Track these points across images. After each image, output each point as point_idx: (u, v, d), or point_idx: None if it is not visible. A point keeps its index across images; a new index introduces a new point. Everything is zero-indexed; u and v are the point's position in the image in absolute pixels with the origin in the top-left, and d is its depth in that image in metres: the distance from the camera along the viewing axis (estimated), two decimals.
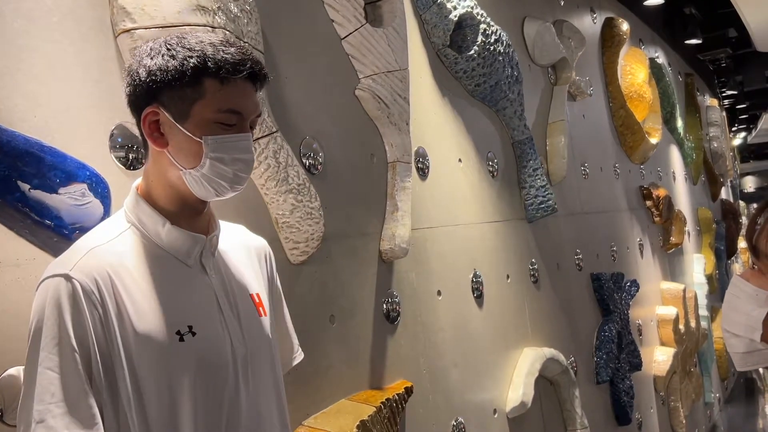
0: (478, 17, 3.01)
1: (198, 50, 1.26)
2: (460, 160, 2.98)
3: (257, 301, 1.44)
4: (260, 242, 1.56)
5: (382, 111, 2.40)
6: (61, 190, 1.41)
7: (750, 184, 22.23)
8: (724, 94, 10.52)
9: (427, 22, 2.84)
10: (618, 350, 4.18)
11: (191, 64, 1.25)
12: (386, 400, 2.19)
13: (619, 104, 5.00)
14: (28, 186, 1.35)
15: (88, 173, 1.46)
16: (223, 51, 1.27)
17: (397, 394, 2.25)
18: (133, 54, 1.33)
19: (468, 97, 3.13)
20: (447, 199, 2.84)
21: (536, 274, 3.47)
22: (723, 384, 7.75)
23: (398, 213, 2.41)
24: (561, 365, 3.38)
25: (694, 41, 7.27)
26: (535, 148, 3.49)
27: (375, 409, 2.11)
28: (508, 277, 3.22)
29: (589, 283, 4.14)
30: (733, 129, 13.71)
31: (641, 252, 5.17)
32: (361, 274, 2.30)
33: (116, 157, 1.57)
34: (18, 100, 1.40)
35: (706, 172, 8.12)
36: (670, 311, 5.32)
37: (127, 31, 1.59)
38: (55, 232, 1.40)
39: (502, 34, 3.16)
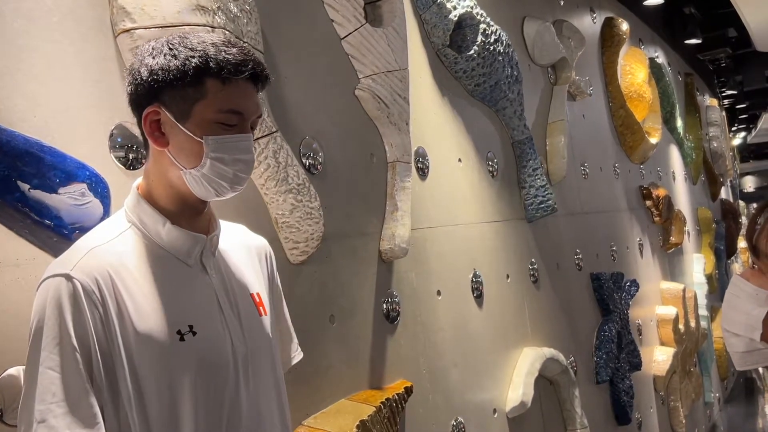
0: (478, 17, 3.01)
1: (200, 50, 1.26)
2: (459, 160, 2.98)
3: (257, 300, 1.45)
4: (261, 242, 1.56)
5: (381, 111, 2.40)
6: (61, 190, 1.41)
7: (750, 183, 22.24)
8: (723, 94, 10.52)
9: (426, 21, 2.84)
10: (618, 350, 4.18)
11: (193, 64, 1.25)
12: (386, 399, 2.19)
13: (618, 104, 5.00)
14: (27, 186, 1.35)
15: (87, 173, 1.46)
16: (225, 51, 1.27)
17: (396, 394, 2.25)
18: (134, 53, 1.33)
19: (468, 97, 3.13)
20: (447, 199, 2.84)
21: (536, 274, 3.47)
22: (723, 384, 7.76)
23: (398, 213, 2.41)
24: (561, 365, 3.38)
25: (693, 41, 7.27)
26: (534, 147, 3.49)
27: (375, 409, 2.11)
28: (507, 276, 3.22)
29: (588, 283, 4.14)
30: (733, 129, 13.72)
31: (641, 252, 5.17)
32: (360, 274, 2.30)
33: (116, 157, 1.57)
34: (18, 100, 1.40)
35: (706, 172, 8.12)
36: (669, 311, 5.32)
37: (127, 30, 1.59)
38: (55, 232, 1.40)
39: (501, 34, 3.16)
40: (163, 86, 1.27)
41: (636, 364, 4.41)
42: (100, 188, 1.48)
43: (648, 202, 5.41)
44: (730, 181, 10.59)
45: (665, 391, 5.16)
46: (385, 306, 2.38)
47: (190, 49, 1.27)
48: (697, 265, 6.85)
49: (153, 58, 1.28)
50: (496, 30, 3.12)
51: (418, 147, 2.66)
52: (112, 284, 1.24)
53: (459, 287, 2.84)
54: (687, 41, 7.30)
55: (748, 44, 7.56)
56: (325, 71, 2.25)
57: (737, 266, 10.19)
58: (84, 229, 1.39)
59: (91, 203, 1.46)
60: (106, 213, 1.48)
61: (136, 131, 1.58)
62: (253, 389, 1.37)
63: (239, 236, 1.52)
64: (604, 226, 4.54)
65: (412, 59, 2.61)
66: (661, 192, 5.57)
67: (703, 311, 6.52)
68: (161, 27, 1.59)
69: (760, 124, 13.17)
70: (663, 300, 5.49)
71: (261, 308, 1.45)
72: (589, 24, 4.83)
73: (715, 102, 9.24)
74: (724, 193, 9.55)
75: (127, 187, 1.40)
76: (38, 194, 1.37)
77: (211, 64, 1.26)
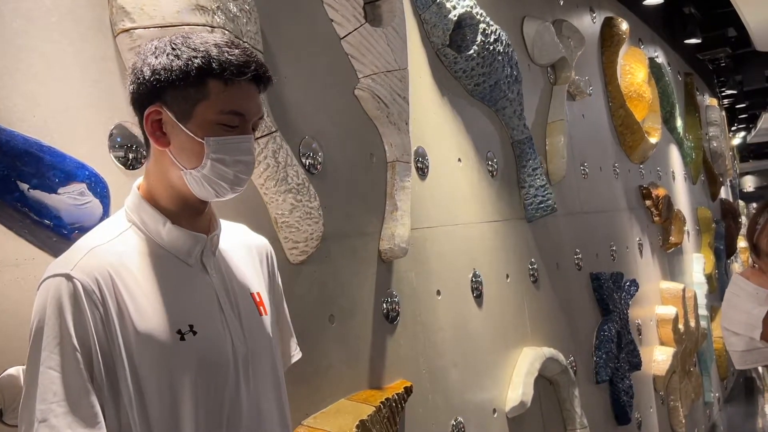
0: (478, 17, 3.01)
1: (203, 51, 1.26)
2: (459, 160, 2.98)
3: (258, 300, 1.45)
4: (261, 241, 1.56)
5: (381, 110, 2.40)
6: (61, 190, 1.41)
7: (749, 183, 22.24)
8: (723, 94, 10.52)
9: (426, 21, 2.84)
10: (617, 350, 4.18)
11: (196, 65, 1.25)
12: (386, 399, 2.19)
13: (618, 104, 5.00)
14: (27, 186, 1.35)
15: (87, 173, 1.46)
16: (227, 52, 1.27)
17: (396, 394, 2.25)
18: (137, 52, 1.33)
19: (467, 97, 3.13)
20: (446, 199, 2.84)
21: (536, 274, 3.47)
22: (722, 383, 7.76)
23: (398, 213, 2.41)
24: (560, 365, 3.38)
25: (693, 41, 7.27)
26: (534, 147, 3.49)
27: (374, 408, 2.11)
28: (507, 276, 3.22)
29: (588, 283, 4.14)
30: (733, 128, 13.71)
31: (641, 251, 5.17)
32: (360, 273, 2.30)
33: (115, 157, 1.57)
34: (17, 99, 1.40)
35: (706, 172, 8.12)
36: (669, 311, 5.32)
37: (126, 30, 1.59)
38: (55, 232, 1.40)
39: (501, 33, 3.16)
40: (165, 86, 1.27)
41: (636, 364, 4.41)
42: (99, 188, 1.48)
43: (648, 202, 5.41)
44: (730, 180, 10.58)
45: (665, 390, 5.16)
46: (384, 306, 2.38)
47: (192, 49, 1.27)
48: (697, 264, 6.85)
49: (156, 57, 1.28)
50: (496, 30, 3.12)
51: (417, 147, 2.66)
52: (112, 284, 1.24)
53: (459, 287, 2.84)
54: (687, 41, 7.30)
55: (747, 44, 7.56)
56: (324, 71, 2.25)
57: (737, 266, 10.19)
58: (83, 229, 1.39)
59: (91, 203, 1.46)
60: (106, 213, 1.48)
61: (136, 131, 1.58)
62: (253, 389, 1.37)
63: (240, 236, 1.52)
64: (604, 226, 4.54)
65: (412, 59, 2.61)
66: (660, 192, 5.57)
67: (702, 311, 6.52)
68: (160, 27, 1.59)
69: (759, 124, 13.17)
70: (663, 300, 5.49)
71: (261, 308, 1.45)
72: (589, 24, 4.83)
73: (714, 102, 9.24)
74: (724, 193, 9.55)
75: (126, 187, 1.40)
76: (38, 194, 1.37)
77: (214, 65, 1.26)
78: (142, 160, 1.60)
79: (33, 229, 1.37)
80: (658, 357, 5.09)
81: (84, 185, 1.45)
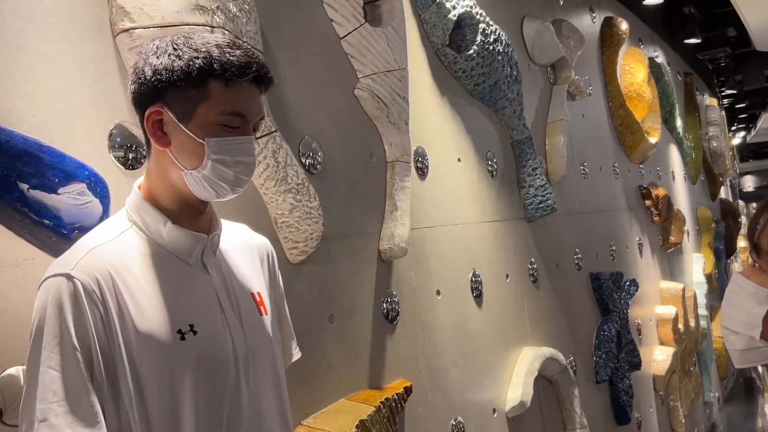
0: (477, 17, 3.01)
1: (204, 51, 1.26)
2: (459, 160, 2.98)
3: (258, 300, 1.45)
4: (262, 241, 1.56)
5: (381, 110, 2.40)
6: (60, 190, 1.41)
7: (749, 183, 22.24)
8: (723, 94, 10.52)
9: (426, 21, 2.84)
10: (617, 349, 4.18)
11: (197, 65, 1.25)
12: (385, 399, 2.19)
13: (618, 104, 5.00)
14: (26, 186, 1.35)
15: (87, 173, 1.46)
16: (229, 53, 1.27)
17: (396, 394, 2.25)
18: (138, 51, 1.33)
19: (467, 97, 3.13)
20: (446, 199, 2.84)
21: (535, 274, 3.47)
22: (722, 383, 7.76)
23: (397, 212, 2.41)
24: (560, 365, 3.38)
25: (693, 40, 7.27)
26: (534, 147, 3.49)
27: (374, 408, 2.11)
28: (507, 276, 3.22)
29: (588, 283, 4.14)
30: (733, 128, 13.71)
31: (640, 251, 5.17)
32: (360, 273, 2.30)
33: (115, 157, 1.57)
34: (17, 99, 1.40)
35: (706, 172, 8.12)
36: (669, 311, 5.32)
37: (126, 30, 1.59)
38: (54, 232, 1.40)
39: (501, 33, 3.16)
40: (166, 86, 1.27)
41: (635, 364, 4.41)
42: (99, 188, 1.48)
43: (647, 202, 5.41)
44: (730, 180, 10.59)
45: (665, 390, 5.16)
46: (384, 306, 2.38)
47: (194, 49, 1.27)
48: (697, 264, 6.85)
49: (157, 57, 1.27)
50: (496, 29, 3.12)
51: (417, 146, 2.66)
52: (112, 284, 1.24)
53: (458, 287, 2.84)
54: (686, 41, 7.30)
55: (747, 44, 7.56)
56: (324, 71, 2.25)
57: (737, 266, 10.19)
58: (83, 229, 1.39)
59: (91, 203, 1.46)
60: (106, 213, 1.48)
61: (135, 131, 1.58)
62: (253, 388, 1.37)
63: (240, 235, 1.52)
64: (604, 226, 4.54)
65: (412, 59, 2.61)
66: (660, 191, 5.57)
67: (702, 311, 6.52)
68: (160, 27, 1.59)
69: (759, 124, 13.17)
70: (662, 299, 5.49)
71: (261, 308, 1.45)
72: (589, 23, 4.83)
73: (714, 101, 9.24)
74: (724, 193, 9.55)
75: (126, 187, 1.40)
76: (37, 194, 1.37)
77: (215, 65, 1.26)
78: (142, 160, 1.60)
79: (33, 229, 1.37)
80: (657, 357, 5.09)
81: (84, 185, 1.45)
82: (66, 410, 1.17)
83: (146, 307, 1.26)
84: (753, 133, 14.30)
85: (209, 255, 1.37)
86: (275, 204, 1.94)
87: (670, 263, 5.94)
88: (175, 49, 1.27)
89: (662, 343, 5.24)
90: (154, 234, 1.32)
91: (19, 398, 1.23)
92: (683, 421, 5.33)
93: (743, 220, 10.68)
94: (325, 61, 2.26)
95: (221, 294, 1.36)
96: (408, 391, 2.33)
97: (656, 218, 5.50)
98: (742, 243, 9.96)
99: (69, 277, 1.21)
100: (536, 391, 3.16)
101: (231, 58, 1.27)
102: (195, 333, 1.29)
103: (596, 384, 3.96)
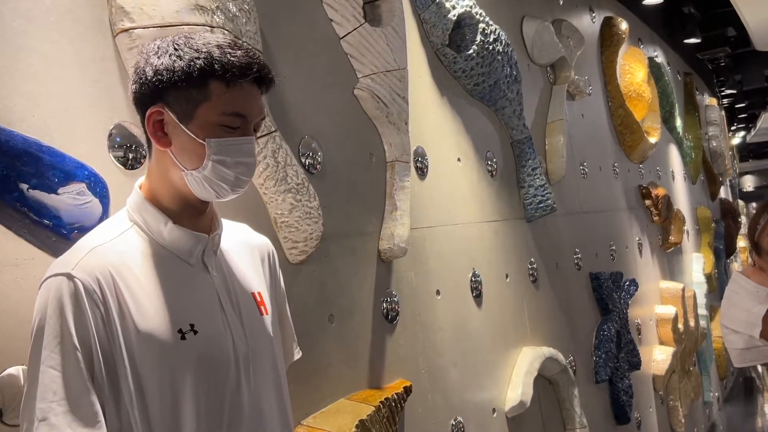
0: (477, 16, 3.01)
1: (205, 52, 1.26)
2: (459, 160, 2.98)
3: (259, 299, 1.45)
4: (263, 241, 1.56)
5: (380, 110, 2.40)
6: (60, 190, 1.41)
7: (749, 183, 22.25)
8: (723, 93, 10.52)
9: (425, 21, 2.84)
10: (617, 349, 4.19)
11: (198, 66, 1.25)
12: (385, 399, 2.19)
13: (618, 103, 5.00)
14: (26, 185, 1.35)
15: (86, 173, 1.46)
16: (230, 54, 1.27)
17: (396, 394, 2.25)
18: (140, 51, 1.33)
19: (467, 97, 3.13)
20: (446, 199, 2.84)
21: (535, 274, 3.47)
22: (722, 383, 7.76)
23: (397, 212, 2.41)
24: (560, 364, 3.38)
25: (693, 40, 7.27)
26: (534, 147, 3.49)
27: (374, 408, 2.11)
28: (507, 276, 3.22)
29: (588, 283, 4.14)
30: (732, 128, 13.72)
31: (640, 251, 5.17)
32: (360, 273, 2.30)
33: (115, 157, 1.57)
34: (16, 99, 1.40)
35: (705, 171, 8.12)
36: (669, 310, 5.32)
37: (126, 30, 1.59)
38: (54, 232, 1.40)
39: (501, 33, 3.16)
40: (167, 87, 1.27)
41: (635, 364, 4.41)
42: (99, 188, 1.48)
43: (647, 202, 5.41)
44: (730, 180, 10.58)
45: (664, 390, 5.16)
46: (384, 305, 2.38)
47: (195, 50, 1.26)
48: (697, 264, 6.85)
49: (158, 57, 1.27)
50: (495, 29, 3.12)
51: (417, 146, 2.66)
52: (113, 283, 1.24)
53: (458, 287, 2.84)
54: (686, 40, 7.30)
55: (747, 43, 7.56)
56: (324, 71, 2.25)
57: (736, 265, 10.19)
58: (83, 229, 1.39)
59: (90, 203, 1.46)
60: (105, 213, 1.48)
61: (135, 131, 1.58)
62: (254, 388, 1.37)
63: (241, 235, 1.52)
64: (604, 226, 4.54)
65: (411, 59, 2.61)
66: (660, 191, 5.57)
67: (702, 310, 6.52)
68: (160, 26, 1.59)
69: (759, 124, 13.17)
70: (662, 299, 5.49)
71: (262, 307, 1.45)
72: (588, 23, 4.83)
73: (714, 101, 9.24)
74: (724, 193, 9.55)
75: (126, 187, 1.40)
76: (37, 194, 1.37)
77: (216, 66, 1.26)
78: (142, 160, 1.60)
79: (32, 228, 1.37)
80: (657, 356, 5.09)
81: (83, 185, 1.45)
82: (66, 409, 1.17)
83: (147, 306, 1.26)
84: (753, 132, 14.30)
85: (210, 255, 1.37)
86: (275, 204, 1.95)
87: (670, 263, 5.94)
88: (176, 49, 1.27)
89: (662, 343, 5.24)
90: (155, 234, 1.32)
91: (19, 398, 1.23)
92: (683, 420, 5.33)
93: (743, 219, 10.69)
94: (324, 61, 2.26)
95: (222, 294, 1.37)
96: (408, 390, 2.33)
97: (656, 218, 5.50)
98: (741, 243, 9.96)
99: (70, 277, 1.21)
100: (536, 391, 3.16)
101: (232, 58, 1.27)
102: (196, 333, 1.29)
103: (596, 384, 3.96)
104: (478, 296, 2.95)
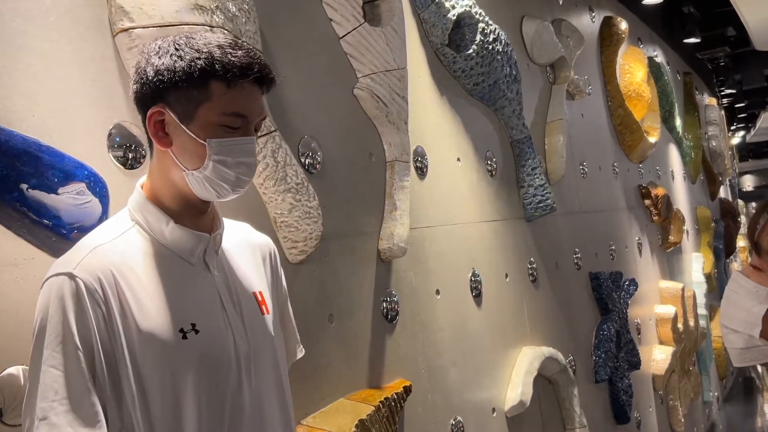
0: (477, 16, 3.01)
1: (206, 52, 1.26)
2: (458, 159, 2.98)
3: (260, 299, 1.45)
4: (264, 240, 1.56)
5: (380, 110, 2.40)
6: (60, 190, 1.41)
7: (749, 182, 22.26)
8: (722, 93, 10.52)
9: (425, 21, 2.84)
10: (617, 349, 4.19)
11: (198, 66, 1.25)
12: (385, 399, 2.19)
13: (617, 103, 5.00)
14: (26, 185, 1.35)
15: (86, 172, 1.46)
16: (230, 54, 1.27)
17: (395, 394, 2.25)
18: (141, 51, 1.33)
19: (466, 96, 3.13)
20: (445, 199, 2.84)
21: (535, 273, 3.47)
22: (722, 383, 7.76)
23: (397, 212, 2.41)
24: (560, 364, 3.39)
25: (692, 40, 7.28)
26: (533, 147, 3.50)
27: (374, 408, 2.11)
28: (506, 276, 3.22)
29: (587, 282, 4.14)
30: (732, 128, 13.72)
31: (640, 251, 5.17)
32: (359, 273, 2.30)
33: (114, 157, 1.57)
34: (16, 99, 1.40)
35: (705, 171, 8.12)
36: (668, 310, 5.32)
37: (125, 30, 1.59)
38: (54, 232, 1.40)
39: (500, 33, 3.16)
40: (168, 87, 1.27)
41: (635, 363, 4.41)
42: (98, 187, 1.48)
43: (647, 201, 5.41)
44: (729, 180, 10.59)
45: (664, 390, 5.16)
46: (383, 305, 2.38)
47: (196, 50, 1.26)
48: (696, 264, 6.85)
49: (159, 57, 1.27)
50: (495, 29, 3.12)
51: (416, 146, 2.66)
52: (115, 283, 1.25)
53: (458, 286, 2.84)
54: (686, 40, 7.31)
55: (746, 43, 7.56)
56: (323, 70, 2.25)
57: (736, 265, 10.19)
58: (83, 229, 1.39)
59: (90, 203, 1.46)
60: (105, 212, 1.48)
61: (135, 131, 1.59)
62: (255, 387, 1.37)
63: (243, 234, 1.52)
64: (603, 225, 4.54)
65: (411, 58, 2.61)
66: (659, 191, 5.57)
67: (701, 310, 6.52)
68: (159, 26, 1.59)
69: (758, 123, 13.18)
70: (662, 299, 5.49)
71: (263, 307, 1.45)
72: (588, 23, 4.83)
73: (714, 101, 9.24)
74: (723, 192, 9.55)
75: (125, 187, 1.40)
76: (37, 194, 1.37)
77: (217, 66, 1.25)
78: (141, 160, 1.60)
79: (32, 228, 1.37)
80: (657, 356, 5.09)
81: (83, 185, 1.45)
82: (67, 409, 1.17)
83: (148, 306, 1.26)
84: (752, 132, 14.31)
85: (211, 254, 1.38)
86: (274, 203, 1.95)
87: (670, 263, 5.94)
88: (177, 49, 1.27)
89: (661, 343, 5.25)
90: (156, 233, 1.33)
91: (19, 398, 1.23)
92: (682, 420, 5.34)
93: (742, 219, 10.68)
94: (324, 61, 2.26)
95: (223, 293, 1.37)
96: (407, 390, 2.33)
97: (655, 218, 5.50)
98: (741, 242, 9.96)
99: (71, 276, 1.21)
100: (536, 391, 3.16)
101: (232, 58, 1.27)
102: (197, 332, 1.29)
103: (596, 383, 3.96)
104: (477, 296, 2.95)
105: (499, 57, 3.13)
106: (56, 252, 1.34)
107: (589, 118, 4.55)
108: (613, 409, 4.15)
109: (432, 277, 2.67)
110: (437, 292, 2.68)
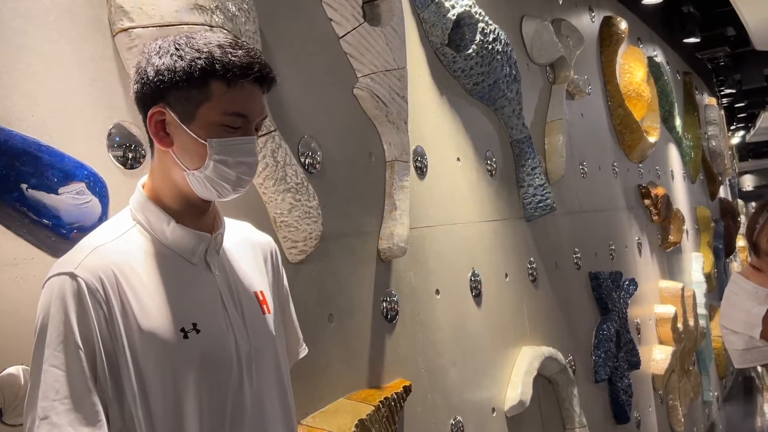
0: (477, 16, 3.01)
1: (206, 52, 1.26)
2: (458, 159, 2.98)
3: (261, 298, 1.45)
4: (265, 239, 1.57)
5: (380, 110, 2.40)
6: (60, 190, 1.40)
7: (748, 182, 22.27)
8: (722, 93, 10.52)
9: (425, 20, 2.84)
10: (616, 349, 4.19)
11: (199, 66, 1.25)
12: (385, 399, 2.19)
13: (617, 103, 5.00)
14: (25, 185, 1.35)
15: (86, 172, 1.46)
16: (231, 53, 1.27)
17: (395, 393, 2.25)
18: (141, 51, 1.33)
19: (466, 96, 3.13)
20: (445, 198, 2.84)
21: (535, 273, 3.47)
22: (721, 382, 7.76)
23: (396, 212, 2.41)
24: (559, 364, 3.39)
25: (692, 40, 7.28)
26: (533, 146, 3.50)
27: (373, 408, 2.11)
28: (506, 276, 3.22)
29: (587, 282, 4.14)
30: (732, 128, 13.72)
31: (640, 251, 5.17)
32: (359, 273, 2.30)
33: (114, 156, 1.57)
34: (16, 99, 1.40)
35: (705, 171, 8.12)
36: (668, 310, 5.32)
37: (125, 30, 1.59)
38: (53, 232, 1.40)
39: (500, 32, 3.16)
40: (168, 87, 1.27)
41: (635, 363, 4.41)
42: (98, 187, 1.48)
43: (647, 201, 5.41)
44: (729, 179, 10.59)
45: (664, 389, 5.17)
46: (383, 305, 2.38)
47: (196, 50, 1.26)
48: (696, 263, 6.85)
49: (160, 57, 1.28)
50: (495, 29, 3.12)
51: (416, 146, 2.66)
52: (116, 283, 1.25)
53: (458, 286, 2.84)
54: (686, 40, 7.31)
55: (746, 43, 7.56)
56: (323, 70, 2.25)
57: (736, 265, 10.19)
58: (82, 229, 1.39)
59: (90, 202, 1.46)
60: (105, 212, 1.48)
61: (134, 130, 1.58)
62: (256, 387, 1.37)
63: (244, 234, 1.52)
64: (603, 225, 4.54)
65: (411, 58, 2.61)
66: (659, 191, 5.57)
67: (701, 310, 6.52)
68: (159, 26, 1.59)
69: (758, 123, 13.18)
70: (662, 299, 5.49)
71: (265, 306, 1.45)
72: (588, 23, 4.83)
73: (713, 101, 9.25)
74: (723, 192, 9.55)
75: (125, 186, 1.40)
76: (36, 194, 1.37)
77: (217, 66, 1.25)
78: (141, 160, 1.60)
79: (32, 228, 1.37)
80: (657, 356, 5.09)
81: (83, 184, 1.45)
82: (68, 408, 1.17)
83: (150, 306, 1.26)
84: (752, 132, 14.31)
85: (213, 254, 1.38)
86: (274, 203, 1.94)
87: (669, 262, 5.94)
88: (177, 49, 1.27)
89: (661, 343, 5.25)
90: (157, 233, 1.33)
91: (19, 398, 1.23)
92: (682, 420, 5.34)
93: (742, 219, 10.68)
94: (324, 61, 2.26)
95: (224, 293, 1.37)
96: (407, 390, 2.33)
97: (655, 217, 5.50)
98: (741, 242, 9.96)
99: (73, 276, 1.21)
100: (535, 391, 3.16)
101: (233, 58, 1.27)
102: (198, 332, 1.29)
103: (595, 383, 3.97)
104: (477, 296, 2.95)
105: (498, 57, 3.13)
106: (56, 252, 1.34)
107: (588, 118, 4.55)
108: (613, 409, 4.15)
109: (432, 276, 2.67)
110: (437, 291, 2.68)
